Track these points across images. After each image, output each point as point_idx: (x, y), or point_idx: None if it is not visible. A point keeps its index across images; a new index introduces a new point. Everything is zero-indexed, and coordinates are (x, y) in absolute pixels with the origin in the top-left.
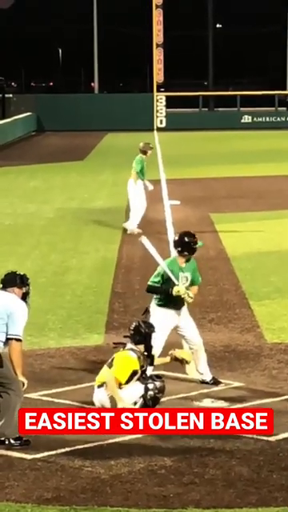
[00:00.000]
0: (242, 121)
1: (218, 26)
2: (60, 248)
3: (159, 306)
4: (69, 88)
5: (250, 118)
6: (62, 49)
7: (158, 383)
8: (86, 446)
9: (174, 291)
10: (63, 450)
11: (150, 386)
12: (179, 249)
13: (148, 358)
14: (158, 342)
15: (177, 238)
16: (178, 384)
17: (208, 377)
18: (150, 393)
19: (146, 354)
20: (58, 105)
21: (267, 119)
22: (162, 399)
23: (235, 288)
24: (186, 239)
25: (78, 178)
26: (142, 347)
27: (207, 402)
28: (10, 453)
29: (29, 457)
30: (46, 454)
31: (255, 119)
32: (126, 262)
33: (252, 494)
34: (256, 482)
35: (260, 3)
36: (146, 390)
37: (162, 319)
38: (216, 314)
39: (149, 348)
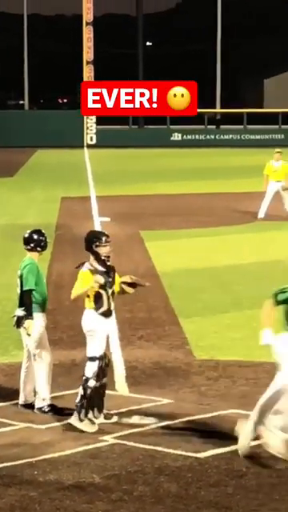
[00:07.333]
0: (172, 138)
1: (148, 44)
2: None
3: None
4: None
5: (179, 135)
6: None
7: (103, 380)
8: (14, 463)
9: (27, 324)
10: None
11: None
12: (32, 245)
13: (107, 274)
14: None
15: (28, 235)
16: (108, 400)
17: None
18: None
19: (104, 270)
20: None
21: (197, 137)
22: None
23: (164, 305)
24: (41, 236)
25: (7, 194)
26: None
27: (136, 419)
28: None
29: None
30: None
31: (185, 137)
32: (55, 278)
33: (180, 510)
34: (184, 498)
35: (189, 22)
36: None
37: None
38: (145, 330)
39: (99, 258)
